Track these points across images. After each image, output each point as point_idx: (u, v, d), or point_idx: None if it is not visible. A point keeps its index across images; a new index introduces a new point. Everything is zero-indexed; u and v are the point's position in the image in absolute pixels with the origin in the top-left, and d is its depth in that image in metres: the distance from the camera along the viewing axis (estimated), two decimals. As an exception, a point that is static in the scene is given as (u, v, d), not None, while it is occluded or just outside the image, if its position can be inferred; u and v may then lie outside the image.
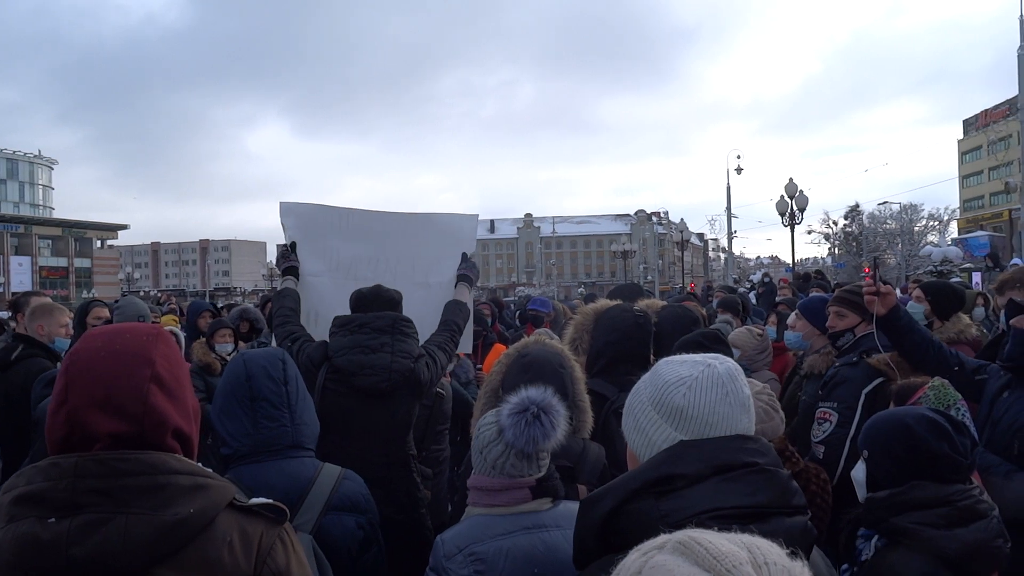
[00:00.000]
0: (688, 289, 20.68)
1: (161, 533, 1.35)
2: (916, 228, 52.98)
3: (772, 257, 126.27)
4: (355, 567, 2.43)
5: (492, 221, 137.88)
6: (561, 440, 2.16)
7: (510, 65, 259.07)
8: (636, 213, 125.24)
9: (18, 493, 1.35)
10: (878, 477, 2.27)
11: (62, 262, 75.12)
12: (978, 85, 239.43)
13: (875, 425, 2.36)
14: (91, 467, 1.36)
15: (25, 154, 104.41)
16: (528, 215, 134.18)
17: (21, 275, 68.37)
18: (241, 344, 6.23)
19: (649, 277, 66.95)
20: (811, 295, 5.76)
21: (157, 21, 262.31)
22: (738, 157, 32.22)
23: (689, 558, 0.83)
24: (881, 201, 57.09)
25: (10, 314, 5.71)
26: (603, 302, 3.90)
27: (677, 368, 1.53)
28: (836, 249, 60.74)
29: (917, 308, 4.82)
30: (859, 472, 2.36)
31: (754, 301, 11.44)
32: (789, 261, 27.09)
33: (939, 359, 3.36)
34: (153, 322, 7.12)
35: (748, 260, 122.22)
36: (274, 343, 3.73)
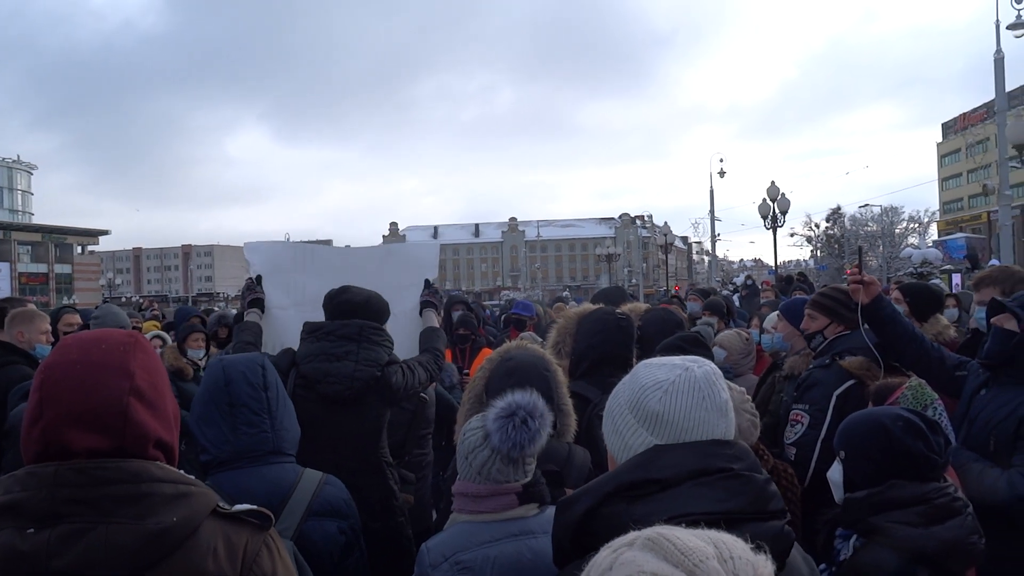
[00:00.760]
0: (673, 292, 20.75)
1: (144, 542, 1.32)
2: (897, 230, 53.52)
3: (755, 260, 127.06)
4: (337, 572, 2.42)
5: (477, 225, 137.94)
6: (544, 444, 2.16)
7: (489, 70, 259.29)
8: (620, 216, 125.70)
9: None
10: (855, 477, 2.30)
11: (42, 268, 74.18)
12: (953, 89, 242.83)
13: (851, 426, 2.38)
14: (71, 476, 1.34)
15: (3, 159, 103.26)
16: (513, 219, 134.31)
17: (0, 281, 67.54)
18: (214, 350, 6.18)
19: (634, 280, 67.14)
20: (793, 297, 5.80)
21: (134, 26, 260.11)
22: (721, 160, 32.42)
23: (657, 553, 0.85)
24: (862, 204, 57.66)
25: None
26: (586, 306, 3.91)
27: (655, 371, 1.53)
28: (818, 251, 61.23)
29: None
30: (835, 473, 2.38)
31: (737, 304, 11.50)
32: (772, 264, 27.25)
33: (920, 352, 3.39)
34: (134, 327, 7.07)
35: (732, 263, 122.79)
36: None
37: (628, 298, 6.14)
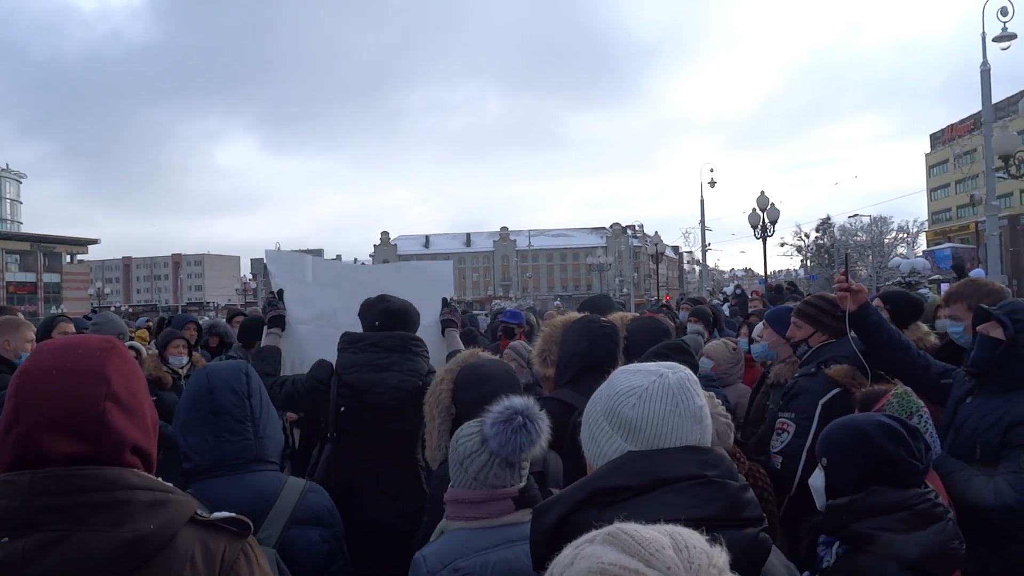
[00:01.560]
0: (663, 301, 20.81)
1: (120, 550, 1.31)
2: (886, 240, 53.79)
3: (746, 269, 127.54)
4: (320, 581, 2.40)
5: (468, 234, 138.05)
6: (545, 449, 2.15)
7: (475, 82, 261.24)
8: (611, 226, 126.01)
9: None
10: (837, 484, 2.30)
11: (30, 277, 73.69)
12: (936, 100, 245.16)
13: (832, 432, 2.39)
14: (47, 484, 1.32)
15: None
16: (504, 228, 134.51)
17: (-12, 291, 67.06)
18: (199, 359, 6.13)
19: (625, 290, 67.23)
20: (777, 306, 5.83)
21: (122, 35, 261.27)
22: (711, 171, 32.59)
23: (616, 546, 0.89)
24: (852, 214, 57.90)
25: None
26: (571, 314, 3.93)
27: (630, 378, 1.52)
28: (808, 261, 61.45)
29: None
30: (817, 480, 2.39)
31: (727, 313, 11.53)
32: (762, 273, 27.35)
33: (907, 360, 3.41)
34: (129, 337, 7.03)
35: (722, 272, 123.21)
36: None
37: (615, 306, 6.14)
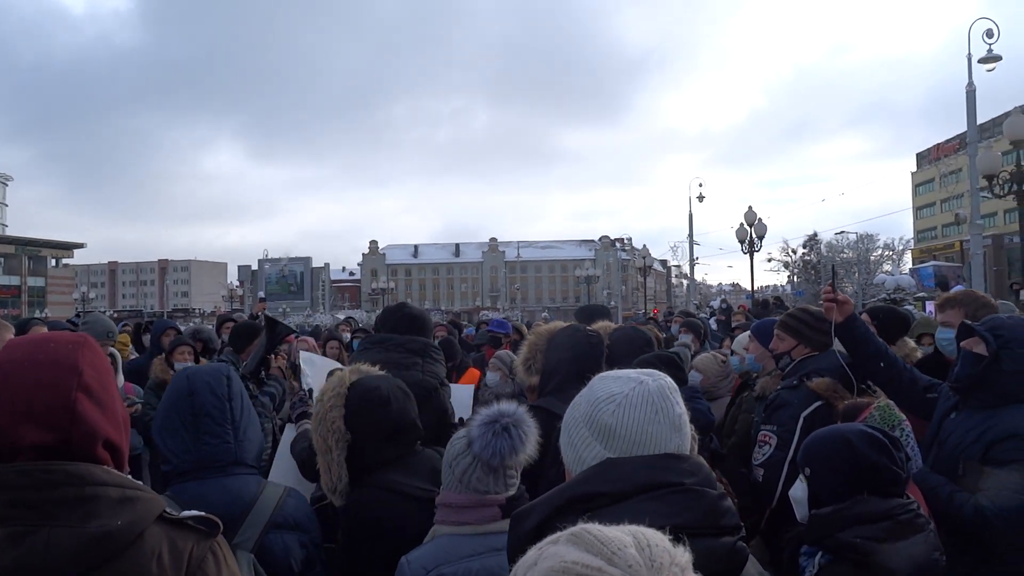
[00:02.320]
0: (651, 314, 20.87)
1: (86, 546, 1.31)
2: (872, 257, 54.20)
3: (733, 284, 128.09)
4: (297, 586, 2.38)
5: (457, 245, 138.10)
6: (532, 456, 2.13)
7: (462, 94, 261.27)
8: (600, 239, 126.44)
9: None
10: (820, 493, 2.30)
11: (15, 280, 73.15)
12: (919, 120, 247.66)
13: (815, 441, 2.39)
14: (14, 479, 1.32)
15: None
16: (493, 239, 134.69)
17: (-29, 293, 66.50)
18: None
19: (613, 303, 67.34)
20: (763, 319, 5.85)
21: (109, 40, 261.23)
22: (700, 185, 32.73)
23: (579, 546, 0.91)
24: (839, 230, 58.35)
25: None
26: (556, 323, 3.93)
27: (610, 385, 1.52)
28: (795, 277, 61.81)
29: None
30: (797, 491, 2.39)
31: (714, 327, 11.58)
32: (749, 288, 27.47)
33: (893, 372, 3.41)
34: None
35: (710, 287, 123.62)
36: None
37: (610, 315, 6.16)
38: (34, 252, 75.69)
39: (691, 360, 5.31)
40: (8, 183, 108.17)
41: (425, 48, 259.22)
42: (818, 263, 57.41)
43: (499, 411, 2.11)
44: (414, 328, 3.72)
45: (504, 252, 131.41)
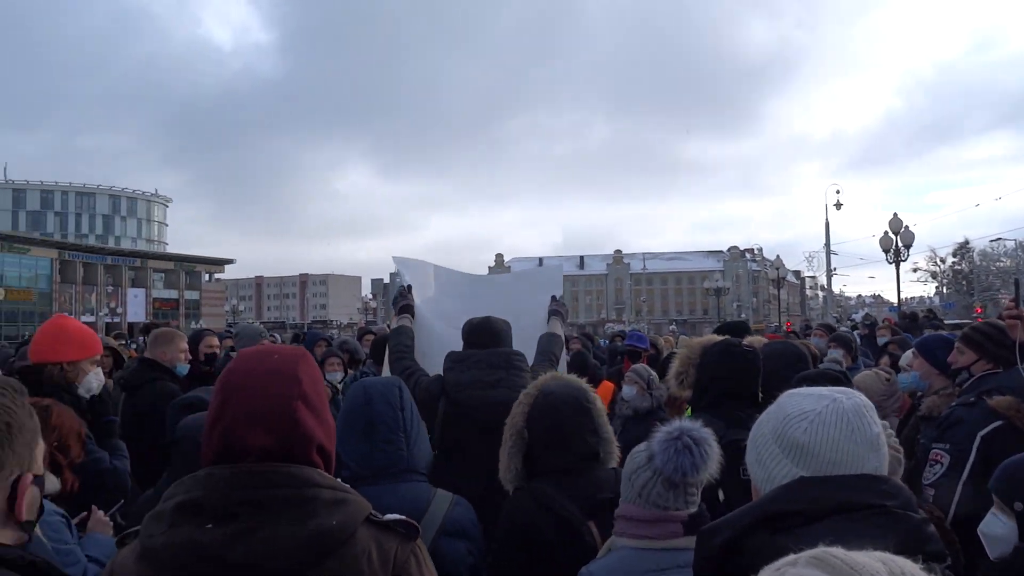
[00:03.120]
0: (785, 329, 20.06)
1: (306, 543, 1.42)
2: (1034, 266, 49.86)
3: (875, 296, 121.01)
4: (464, 592, 2.46)
5: (581, 257, 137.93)
6: (714, 475, 2.11)
7: (579, 107, 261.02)
8: (729, 250, 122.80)
9: (179, 501, 1.45)
10: None
11: (173, 294, 79.39)
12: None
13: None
14: (244, 479, 1.45)
15: (143, 193, 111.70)
16: (618, 251, 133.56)
17: (136, 306, 72.71)
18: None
19: (743, 315, 65.24)
20: (927, 334, 5.51)
21: (251, 71, 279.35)
22: (837, 192, 31.23)
23: (825, 570, 0.84)
24: (994, 237, 53.86)
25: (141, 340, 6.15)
26: (710, 337, 3.87)
27: (801, 401, 1.49)
28: (944, 288, 57.72)
29: None
30: (996, 526, 2.21)
31: (858, 341, 10.98)
32: (893, 300, 25.94)
33: None
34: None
35: (849, 299, 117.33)
36: (386, 371, 3.92)
37: (751, 331, 5.99)
38: (190, 268, 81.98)
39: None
40: (168, 204, 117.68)
41: (542, 63, 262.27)
42: (970, 273, 53.39)
43: (681, 427, 2.11)
44: (496, 340, 3.65)
45: (629, 264, 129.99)
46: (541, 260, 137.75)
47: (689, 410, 3.90)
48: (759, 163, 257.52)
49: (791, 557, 0.91)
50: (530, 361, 3.74)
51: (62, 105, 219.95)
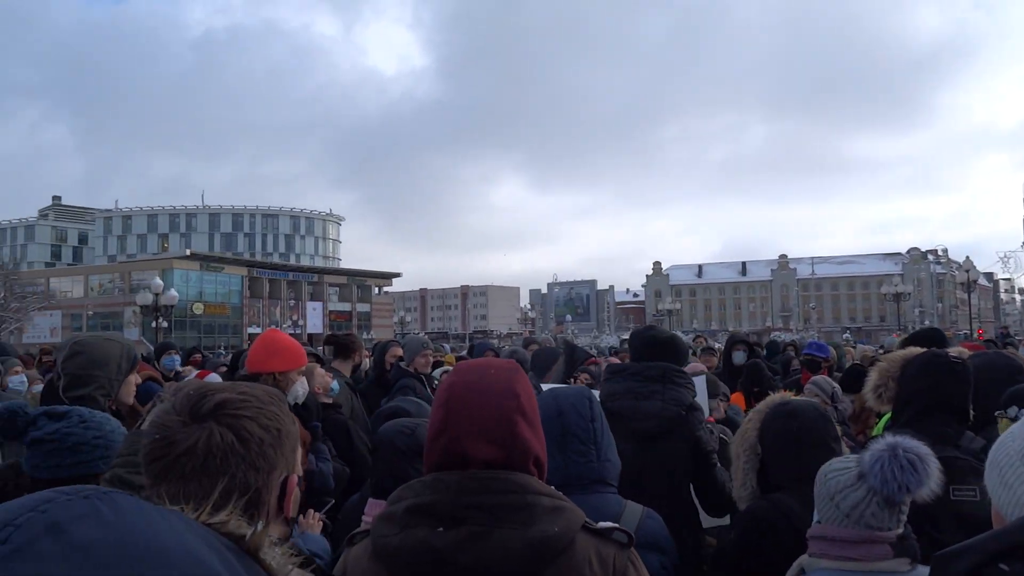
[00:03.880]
0: (977, 336, 18.38)
1: (532, 548, 1.47)
2: None
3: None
4: (658, 608, 2.45)
5: (744, 263, 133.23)
6: (936, 492, 2.01)
7: (733, 109, 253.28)
8: (908, 251, 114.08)
9: (410, 504, 1.55)
10: None
11: (346, 307, 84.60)
12: None
13: None
14: (471, 484, 1.53)
15: (319, 212, 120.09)
16: (783, 256, 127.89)
17: (315, 319, 78.18)
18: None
19: (927, 321, 60.21)
20: None
21: (410, 96, 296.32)
22: (1038, 185, 28.18)
23: None
24: None
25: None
26: (912, 349, 3.63)
27: None
28: None
29: None
30: None
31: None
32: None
33: None
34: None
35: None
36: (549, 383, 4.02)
37: (948, 341, 5.54)
38: (361, 282, 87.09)
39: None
40: (341, 223, 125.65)
41: (691, 67, 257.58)
42: None
43: (896, 443, 2.00)
44: (658, 353, 3.58)
45: (795, 269, 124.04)
46: (700, 268, 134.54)
47: (879, 426, 3.67)
48: (934, 158, 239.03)
49: None
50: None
51: (248, 137, 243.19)
